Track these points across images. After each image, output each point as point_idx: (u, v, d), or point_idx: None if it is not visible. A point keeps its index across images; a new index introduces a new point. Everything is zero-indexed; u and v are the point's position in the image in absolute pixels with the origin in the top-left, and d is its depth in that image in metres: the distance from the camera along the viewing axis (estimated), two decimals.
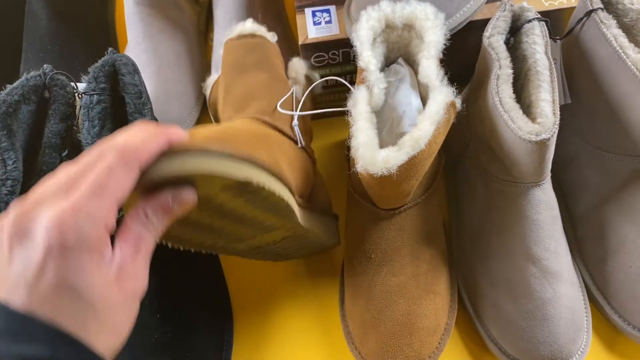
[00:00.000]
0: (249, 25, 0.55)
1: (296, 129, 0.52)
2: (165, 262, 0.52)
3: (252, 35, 0.55)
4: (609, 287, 0.54)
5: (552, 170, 0.61)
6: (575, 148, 0.57)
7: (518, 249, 0.51)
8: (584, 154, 0.56)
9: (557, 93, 0.47)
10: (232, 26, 0.67)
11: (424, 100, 0.50)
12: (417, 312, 0.51)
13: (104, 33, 0.76)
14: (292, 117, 0.52)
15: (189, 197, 0.34)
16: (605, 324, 0.55)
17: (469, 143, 0.58)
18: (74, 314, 0.28)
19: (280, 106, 0.51)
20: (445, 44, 0.49)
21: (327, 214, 0.56)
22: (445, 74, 0.49)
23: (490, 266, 0.53)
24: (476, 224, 0.55)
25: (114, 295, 0.29)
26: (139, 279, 0.31)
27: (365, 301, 0.53)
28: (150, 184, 0.33)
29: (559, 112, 0.46)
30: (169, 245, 0.42)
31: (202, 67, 0.73)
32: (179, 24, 0.71)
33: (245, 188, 0.37)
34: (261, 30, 0.55)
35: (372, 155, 0.44)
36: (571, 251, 0.57)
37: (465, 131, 0.58)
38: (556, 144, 0.60)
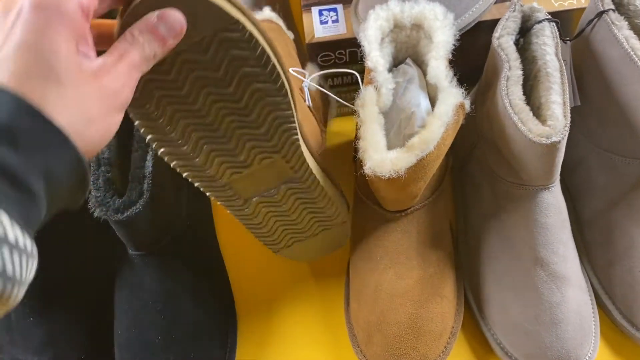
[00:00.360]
0: (267, 12, 0.55)
1: (306, 89, 0.52)
2: (167, 262, 0.51)
3: (270, 21, 0.55)
4: (617, 291, 0.53)
5: (560, 174, 0.61)
6: (583, 150, 0.57)
7: (526, 253, 0.51)
8: (592, 157, 0.56)
9: (567, 95, 0.47)
10: None
11: (432, 100, 0.50)
12: (424, 315, 0.51)
13: None
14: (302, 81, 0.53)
15: (176, 19, 0.32)
16: (613, 329, 0.54)
17: (476, 144, 0.57)
18: (35, 81, 0.27)
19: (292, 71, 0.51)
20: (454, 45, 0.49)
21: (339, 190, 0.54)
22: (454, 74, 0.49)
23: (497, 269, 0.53)
24: (483, 227, 0.55)
25: (85, 80, 0.28)
26: (119, 82, 0.30)
27: (371, 303, 0.52)
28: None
29: (569, 115, 0.46)
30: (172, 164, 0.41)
31: None
32: None
33: (237, 38, 0.35)
34: (279, 20, 0.55)
35: (380, 157, 0.44)
36: (579, 255, 0.57)
37: (473, 132, 0.58)
38: (565, 146, 0.59)
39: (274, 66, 0.37)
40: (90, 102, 0.28)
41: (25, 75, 0.27)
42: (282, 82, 0.39)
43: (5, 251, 0.24)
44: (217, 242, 0.60)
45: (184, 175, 0.42)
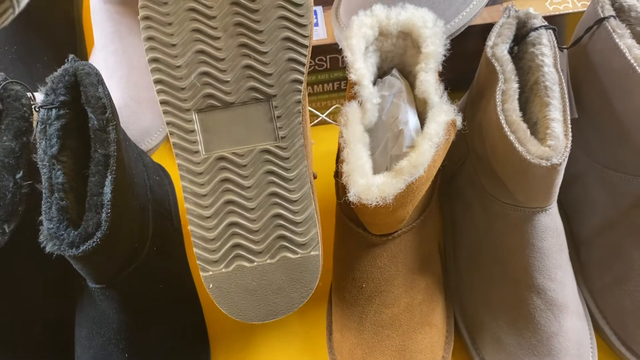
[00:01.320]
0: None
1: None
2: (131, 293, 0.46)
3: None
4: (617, 317, 0.50)
5: None
6: (581, 166, 0.53)
7: (521, 279, 0.47)
8: (590, 173, 0.52)
9: (568, 112, 0.43)
10: None
11: (420, 115, 0.46)
12: (412, 347, 0.47)
13: (69, 31, 0.70)
14: None
15: None
16: (612, 355, 0.51)
17: (465, 159, 0.54)
18: None
19: None
20: (445, 55, 0.45)
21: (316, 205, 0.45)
22: (443, 81, 0.45)
23: (490, 296, 0.49)
24: (475, 249, 0.51)
25: None
26: None
27: (356, 334, 0.48)
28: None
29: (570, 133, 0.42)
30: None
31: None
32: None
33: None
34: None
35: (365, 183, 0.40)
36: (575, 277, 0.54)
37: (462, 146, 0.54)
38: None
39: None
40: None
41: None
42: (309, 3, 0.36)
43: None
44: (188, 266, 0.56)
45: (154, 78, 0.37)
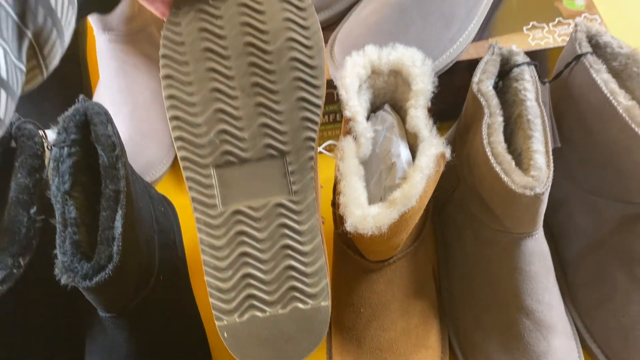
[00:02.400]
0: None
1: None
2: (141, 322, 0.49)
3: None
4: (602, 336, 0.53)
5: None
6: (565, 192, 0.56)
7: (511, 301, 0.50)
8: (574, 198, 0.55)
9: (549, 143, 0.46)
10: None
11: (412, 148, 0.49)
12: None
13: (75, 68, 0.73)
14: None
15: None
16: None
17: (456, 188, 0.56)
18: None
19: None
20: (433, 92, 0.48)
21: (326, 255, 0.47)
22: (433, 114, 0.48)
23: (482, 318, 0.52)
24: (466, 273, 0.54)
25: None
26: None
27: (355, 357, 0.51)
28: None
29: (552, 164, 0.45)
30: None
31: None
32: (154, 60, 0.68)
33: (295, 3, 0.38)
34: None
35: (361, 214, 0.42)
36: (563, 298, 0.56)
37: (452, 176, 0.57)
38: None
39: (320, 46, 0.38)
40: None
41: None
42: (322, 66, 0.39)
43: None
44: (192, 294, 0.58)
45: (174, 135, 0.39)
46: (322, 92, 0.39)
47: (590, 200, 0.54)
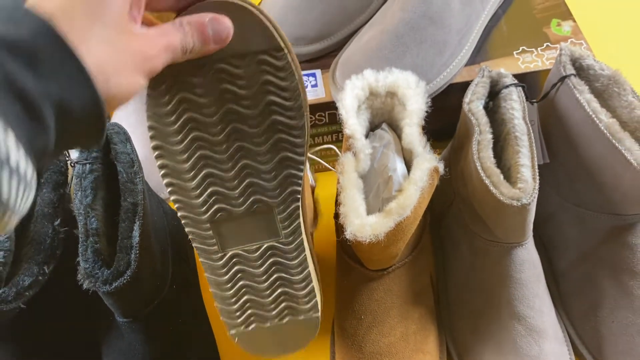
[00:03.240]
0: None
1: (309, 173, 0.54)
2: (154, 327, 0.52)
3: None
4: (594, 342, 0.55)
5: (534, 227, 0.63)
6: (554, 205, 0.59)
7: (503, 308, 0.53)
8: (563, 211, 0.58)
9: (535, 158, 0.49)
10: None
11: (408, 163, 0.52)
12: None
13: None
14: None
15: (226, 27, 0.34)
16: None
17: (452, 202, 0.60)
18: (79, 15, 0.27)
19: None
20: (427, 111, 0.51)
21: (318, 277, 0.53)
22: (427, 132, 0.51)
23: (477, 323, 0.54)
24: (462, 282, 0.57)
25: (125, 34, 0.30)
26: (153, 51, 0.31)
27: None
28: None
29: (538, 177, 0.48)
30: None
31: None
32: None
33: (276, 65, 0.37)
34: None
35: (360, 222, 0.46)
36: (556, 306, 0.59)
37: (448, 190, 0.60)
38: (537, 201, 0.62)
39: (300, 105, 0.39)
40: (122, 54, 0.29)
41: (71, 6, 0.27)
42: (304, 124, 0.40)
43: (4, 174, 0.23)
44: (203, 302, 0.61)
45: (172, 199, 0.42)
46: (305, 149, 0.41)
47: (578, 213, 0.57)
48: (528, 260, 0.52)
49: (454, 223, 0.59)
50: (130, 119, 0.69)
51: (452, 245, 0.60)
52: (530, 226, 0.51)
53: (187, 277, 0.60)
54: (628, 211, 0.52)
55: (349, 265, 0.55)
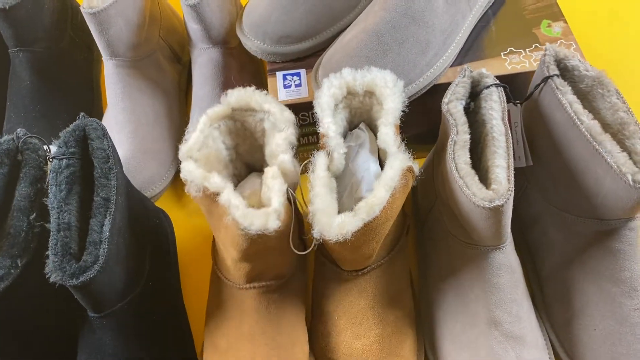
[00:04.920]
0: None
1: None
2: (126, 324, 0.52)
3: None
4: (575, 349, 0.54)
5: (518, 230, 0.62)
6: (539, 208, 0.58)
7: (480, 313, 0.52)
8: (547, 215, 0.57)
9: (512, 159, 0.48)
10: (207, 85, 0.69)
11: (383, 163, 0.52)
12: None
13: (88, 92, 0.78)
14: None
15: None
16: None
17: (434, 203, 0.59)
18: None
19: None
20: (404, 111, 0.51)
21: None
22: (408, 136, 0.50)
23: (454, 328, 0.53)
24: (440, 284, 0.56)
25: None
26: None
27: None
28: None
29: (513, 179, 0.47)
30: None
31: (181, 125, 0.75)
32: (159, 84, 0.73)
33: None
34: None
35: (327, 221, 0.45)
36: (538, 311, 0.58)
37: (431, 191, 0.59)
38: (521, 205, 0.61)
39: None
40: None
41: None
42: None
43: None
44: (182, 302, 0.61)
45: None
46: None
47: (562, 217, 0.55)
48: (505, 264, 0.51)
49: (435, 224, 0.58)
50: (119, 118, 0.69)
51: (432, 247, 0.59)
52: (507, 229, 0.50)
53: (166, 275, 0.60)
54: (610, 216, 0.51)
55: (325, 264, 0.54)
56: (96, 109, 0.78)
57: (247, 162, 0.58)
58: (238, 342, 0.52)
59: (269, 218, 0.44)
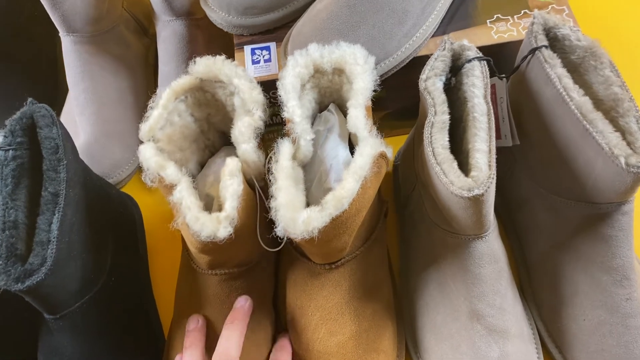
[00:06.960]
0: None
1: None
2: (85, 325, 0.49)
3: None
4: (564, 340, 0.51)
5: (508, 211, 0.58)
6: (527, 190, 0.54)
7: (461, 305, 0.48)
8: (536, 197, 0.53)
9: (494, 142, 0.44)
10: (173, 61, 0.65)
11: (353, 149, 0.47)
12: None
13: (52, 71, 0.74)
14: None
15: None
16: None
17: (415, 185, 0.55)
18: None
19: None
20: (375, 90, 0.46)
21: None
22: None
23: (435, 320, 0.50)
24: (422, 273, 0.52)
25: None
26: None
27: None
28: None
29: (495, 164, 0.43)
30: None
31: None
32: (123, 59, 0.68)
33: None
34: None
35: (292, 217, 0.41)
36: (526, 299, 0.55)
37: (412, 173, 0.55)
38: (510, 186, 0.57)
39: None
40: None
41: None
42: None
43: None
44: (151, 294, 0.58)
45: None
46: None
47: (551, 200, 0.51)
48: (488, 254, 0.48)
49: (415, 210, 0.55)
50: (80, 99, 0.65)
51: (414, 235, 0.55)
52: (489, 217, 0.46)
53: (132, 268, 0.57)
54: (602, 200, 0.47)
55: (295, 257, 0.51)
56: (61, 88, 0.74)
57: (221, 131, 0.54)
58: None
59: (220, 225, 0.40)
